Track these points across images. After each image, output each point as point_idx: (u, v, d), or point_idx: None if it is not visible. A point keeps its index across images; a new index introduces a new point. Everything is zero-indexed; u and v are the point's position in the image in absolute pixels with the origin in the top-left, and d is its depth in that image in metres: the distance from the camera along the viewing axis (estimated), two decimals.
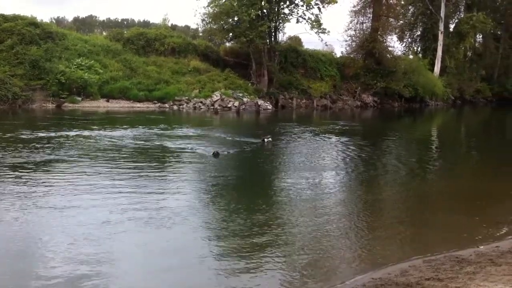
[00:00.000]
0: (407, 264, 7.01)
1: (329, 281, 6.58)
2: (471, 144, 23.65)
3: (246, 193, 11.04)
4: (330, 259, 7.31)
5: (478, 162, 17.88)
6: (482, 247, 7.80)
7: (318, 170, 14.04)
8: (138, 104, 33.70)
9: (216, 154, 15.00)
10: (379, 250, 7.80)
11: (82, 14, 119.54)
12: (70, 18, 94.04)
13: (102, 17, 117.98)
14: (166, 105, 34.57)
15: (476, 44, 61.86)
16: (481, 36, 61.40)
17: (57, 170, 12.42)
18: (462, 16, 58.05)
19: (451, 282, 6.06)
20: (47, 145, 15.86)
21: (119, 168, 12.82)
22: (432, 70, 51.15)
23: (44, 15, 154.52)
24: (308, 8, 40.74)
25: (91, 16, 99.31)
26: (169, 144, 17.43)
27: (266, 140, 18.47)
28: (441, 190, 12.88)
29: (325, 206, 10.04)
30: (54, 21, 66.06)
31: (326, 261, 7.22)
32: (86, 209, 9.01)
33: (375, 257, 7.47)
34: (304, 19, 41.00)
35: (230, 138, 19.67)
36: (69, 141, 17.09)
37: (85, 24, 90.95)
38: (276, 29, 41.61)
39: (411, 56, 55.20)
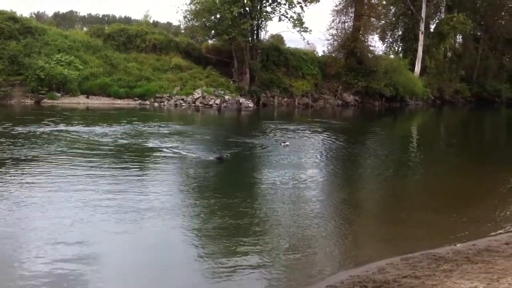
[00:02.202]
0: (384, 262, 7.06)
1: (308, 279, 6.59)
2: (450, 143, 23.90)
3: (228, 192, 10.98)
4: (309, 258, 7.33)
5: (457, 161, 18.06)
6: (459, 245, 7.88)
7: (299, 168, 14.04)
8: (119, 101, 33.40)
9: (220, 158, 14.17)
10: (358, 248, 7.87)
11: (63, 10, 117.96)
12: (50, 13, 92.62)
13: (83, 12, 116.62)
14: (147, 102, 34.32)
15: (456, 45, 62.47)
16: (461, 37, 62.04)
17: (34, 166, 12.25)
18: (442, 17, 58.57)
19: (427, 280, 6.11)
20: (24, 142, 15.66)
21: (99, 166, 12.72)
22: (413, 70, 51.55)
23: (24, 9, 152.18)
24: (290, 6, 40.77)
25: (71, 12, 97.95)
26: (150, 143, 17.32)
27: (283, 144, 17.73)
28: (420, 188, 13.02)
29: (304, 205, 10.07)
30: (34, 16, 64.91)
31: (305, 260, 7.24)
32: (65, 207, 8.93)
33: (353, 255, 7.52)
34: (287, 17, 41.05)
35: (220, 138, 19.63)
36: (47, 138, 16.88)
37: (66, 19, 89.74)
38: (259, 27, 41.60)
39: (392, 56, 55.53)
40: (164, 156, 14.66)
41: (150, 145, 16.55)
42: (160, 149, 15.75)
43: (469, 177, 14.20)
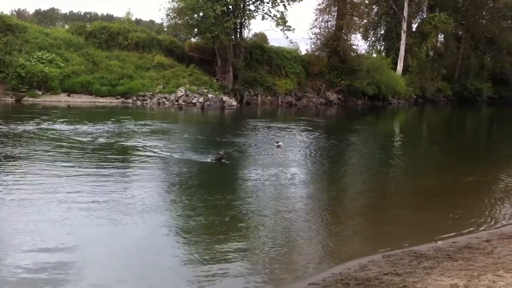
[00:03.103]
0: (366, 259, 7.08)
1: (290, 277, 6.59)
2: (432, 142, 24.12)
3: (214, 191, 10.92)
4: (291, 256, 7.33)
5: (438, 159, 18.22)
6: (440, 242, 7.94)
7: (285, 166, 14.04)
8: (101, 99, 33.10)
9: (219, 160, 13.65)
10: (340, 246, 7.88)
11: (44, 7, 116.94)
12: (31, 10, 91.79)
13: (64, 10, 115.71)
14: (130, 100, 34.08)
15: (438, 44, 62.99)
16: (442, 36, 62.52)
17: (14, 165, 12.12)
18: (424, 16, 59.04)
19: (408, 277, 6.14)
20: (4, 140, 15.47)
21: (80, 165, 12.61)
22: (395, 69, 51.85)
23: (4, 7, 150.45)
24: (273, 5, 40.73)
25: (53, 9, 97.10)
26: (133, 142, 17.20)
27: (276, 144, 17.26)
28: (402, 186, 13.10)
29: (287, 203, 10.08)
30: (14, 13, 64.26)
31: (287, 258, 7.24)
32: (47, 206, 8.83)
33: (335, 253, 7.54)
34: (270, 16, 40.99)
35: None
36: (27, 136, 16.68)
37: (47, 17, 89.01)
38: (242, 25, 41.49)
39: (374, 55, 55.88)
40: (147, 156, 14.52)
41: (132, 144, 16.41)
42: (143, 148, 15.62)
43: (450, 175, 14.31)
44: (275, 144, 17.43)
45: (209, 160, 13.96)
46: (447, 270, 6.38)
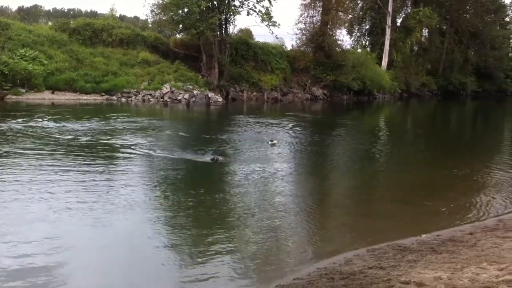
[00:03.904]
0: (351, 254, 7.10)
1: (275, 272, 6.59)
2: (416, 136, 24.26)
3: (198, 188, 10.88)
4: (277, 250, 7.32)
5: (422, 152, 18.33)
6: (424, 236, 7.97)
7: (268, 161, 14.04)
8: (85, 96, 32.88)
9: (215, 160, 13.18)
10: (325, 240, 7.90)
11: (27, 4, 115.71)
12: (14, 7, 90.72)
13: (47, 7, 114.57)
14: (114, 97, 33.90)
15: (422, 39, 63.39)
16: (427, 31, 62.91)
17: None
18: (409, 11, 59.39)
19: (393, 270, 6.16)
20: None
21: (65, 163, 12.50)
22: (380, 64, 52.16)
23: None
24: (258, 0, 40.74)
25: (36, 6, 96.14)
26: (118, 140, 17.10)
27: (271, 143, 16.73)
28: (386, 180, 13.15)
29: (273, 199, 10.07)
30: None
31: (272, 252, 7.23)
32: (31, 203, 8.73)
33: (321, 247, 7.55)
34: (255, 11, 41.02)
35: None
36: (11, 134, 16.51)
37: (30, 14, 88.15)
38: (227, 21, 41.46)
39: (359, 50, 56.11)
40: (133, 154, 14.38)
41: (118, 142, 16.29)
42: (129, 146, 15.49)
43: (435, 169, 14.38)
44: (269, 142, 16.91)
45: (202, 160, 13.64)
46: (431, 263, 6.42)
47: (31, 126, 18.48)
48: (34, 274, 6.10)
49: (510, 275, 5.73)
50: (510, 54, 74.95)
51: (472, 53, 67.22)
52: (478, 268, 6.10)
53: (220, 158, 13.43)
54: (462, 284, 5.51)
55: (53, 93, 32.21)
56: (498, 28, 68.23)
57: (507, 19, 74.08)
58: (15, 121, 19.61)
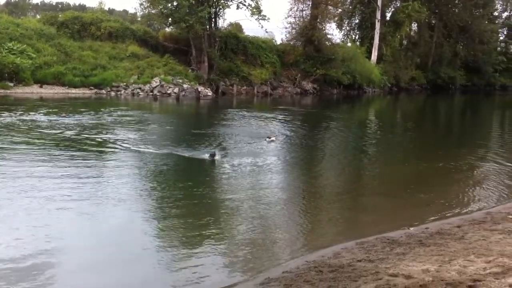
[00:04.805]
0: (340, 247, 7.13)
1: (264, 265, 6.61)
2: (406, 129, 24.37)
3: (188, 182, 10.86)
4: (266, 244, 7.35)
5: (411, 146, 18.46)
6: (412, 228, 8.03)
7: (258, 154, 14.04)
8: (74, 90, 32.62)
9: (213, 155, 12.70)
10: (314, 234, 7.94)
11: None
12: (2, 1, 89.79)
13: (36, 0, 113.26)
14: (103, 91, 33.68)
15: (412, 33, 63.52)
16: (416, 25, 63.04)
17: None
18: (398, 5, 59.39)
19: (381, 263, 6.20)
20: None
21: (53, 158, 12.43)
22: (370, 58, 52.20)
23: None
24: None
25: None
26: (108, 134, 17.01)
27: (269, 139, 16.32)
28: (376, 174, 13.22)
29: (262, 193, 10.08)
30: None
31: (261, 246, 7.26)
32: (20, 198, 8.68)
33: (310, 241, 7.59)
34: (244, 5, 40.84)
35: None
36: None
37: (18, 7, 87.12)
38: (216, 15, 41.25)
39: (349, 44, 56.14)
40: (123, 149, 14.28)
41: (108, 137, 16.17)
42: (118, 141, 15.41)
43: (424, 162, 14.47)
44: (267, 139, 16.48)
45: (197, 156, 13.31)
46: (419, 256, 6.46)
47: (20, 120, 18.34)
48: (19, 269, 6.06)
49: (497, 268, 5.78)
50: (499, 48, 75.22)
51: (461, 47, 67.42)
52: (465, 260, 6.15)
53: (217, 157, 12.89)
54: (450, 276, 5.55)
55: (41, 87, 31.95)
56: (486, 22, 68.46)
57: (495, 13, 74.55)
58: (3, 115, 19.43)
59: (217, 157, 12.83)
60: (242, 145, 15.65)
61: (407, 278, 5.56)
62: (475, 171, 13.25)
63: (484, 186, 11.50)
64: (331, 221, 8.75)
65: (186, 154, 13.63)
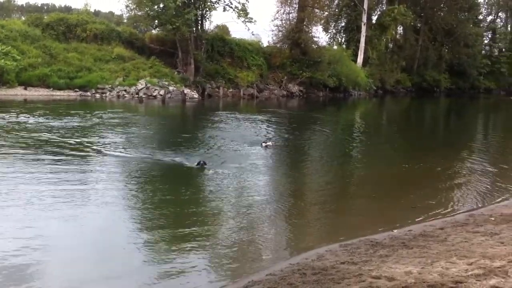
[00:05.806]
0: (324, 249, 7.15)
1: (248, 268, 6.61)
2: (391, 132, 24.50)
3: (174, 187, 10.81)
4: (250, 247, 7.35)
5: (396, 148, 18.52)
6: (395, 231, 8.07)
7: (242, 157, 14.03)
8: (58, 92, 32.41)
9: (201, 164, 12.27)
10: (298, 237, 7.94)
11: None
12: None
13: (20, 1, 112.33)
14: (88, 93, 33.49)
15: (397, 36, 63.97)
16: (402, 28, 63.51)
17: None
18: (384, 8, 59.85)
19: (364, 265, 6.22)
20: None
21: (38, 161, 12.32)
22: (355, 61, 52.48)
23: None
24: None
25: (9, 0, 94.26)
26: (91, 138, 16.89)
27: (264, 145, 16.00)
28: (360, 176, 13.27)
29: (247, 195, 10.07)
30: None
31: (245, 249, 7.25)
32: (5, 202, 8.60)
33: (293, 243, 7.60)
34: (231, 7, 40.97)
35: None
36: None
37: (3, 8, 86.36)
38: (203, 17, 41.28)
39: (335, 47, 56.42)
40: (108, 154, 14.13)
41: (93, 140, 16.07)
42: (103, 145, 15.35)
43: (407, 164, 14.54)
44: (263, 144, 16.13)
45: (186, 163, 12.84)
46: (402, 258, 6.49)
47: (4, 123, 18.14)
48: (8, 272, 6.01)
49: (479, 270, 5.82)
50: (483, 51, 75.97)
51: (446, 50, 68.00)
52: (448, 262, 6.18)
53: (206, 166, 12.31)
54: (432, 278, 5.58)
55: (25, 89, 31.70)
56: (471, 26, 69.14)
57: (480, 17, 75.33)
58: None
59: (206, 166, 12.34)
60: (230, 150, 15.60)
61: (389, 280, 5.59)
62: (458, 174, 13.35)
63: (467, 188, 11.60)
64: (315, 224, 8.77)
65: (172, 159, 13.46)
